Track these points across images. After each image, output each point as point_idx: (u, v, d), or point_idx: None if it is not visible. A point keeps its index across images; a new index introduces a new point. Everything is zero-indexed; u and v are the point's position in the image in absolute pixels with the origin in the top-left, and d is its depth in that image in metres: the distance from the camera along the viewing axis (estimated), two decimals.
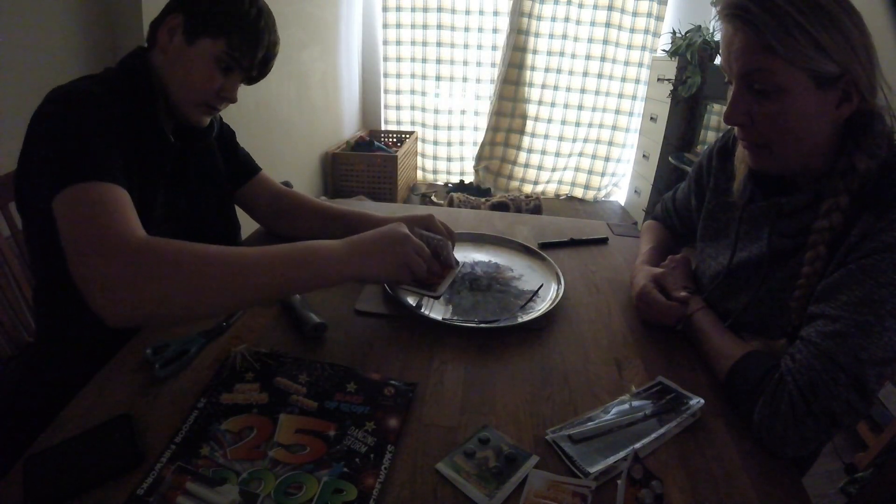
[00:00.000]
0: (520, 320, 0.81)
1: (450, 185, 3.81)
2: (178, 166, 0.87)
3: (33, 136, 0.70)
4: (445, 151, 3.89)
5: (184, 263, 0.58)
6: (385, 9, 3.54)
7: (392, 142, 3.75)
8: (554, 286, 0.93)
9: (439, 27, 3.54)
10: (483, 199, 3.11)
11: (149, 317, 0.58)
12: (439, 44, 3.58)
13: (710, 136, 2.77)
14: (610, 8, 3.34)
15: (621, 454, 0.56)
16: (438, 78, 3.69)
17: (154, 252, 0.58)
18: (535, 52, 3.44)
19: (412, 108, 3.83)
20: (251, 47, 0.82)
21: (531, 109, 3.61)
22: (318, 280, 0.66)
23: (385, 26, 3.59)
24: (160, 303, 0.57)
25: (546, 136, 3.67)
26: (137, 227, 0.62)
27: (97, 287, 0.55)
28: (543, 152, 3.71)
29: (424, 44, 3.60)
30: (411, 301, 0.84)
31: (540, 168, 3.75)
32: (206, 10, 0.79)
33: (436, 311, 0.83)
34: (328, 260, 0.67)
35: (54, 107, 0.69)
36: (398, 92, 3.78)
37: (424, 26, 3.55)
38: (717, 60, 2.67)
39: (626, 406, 0.64)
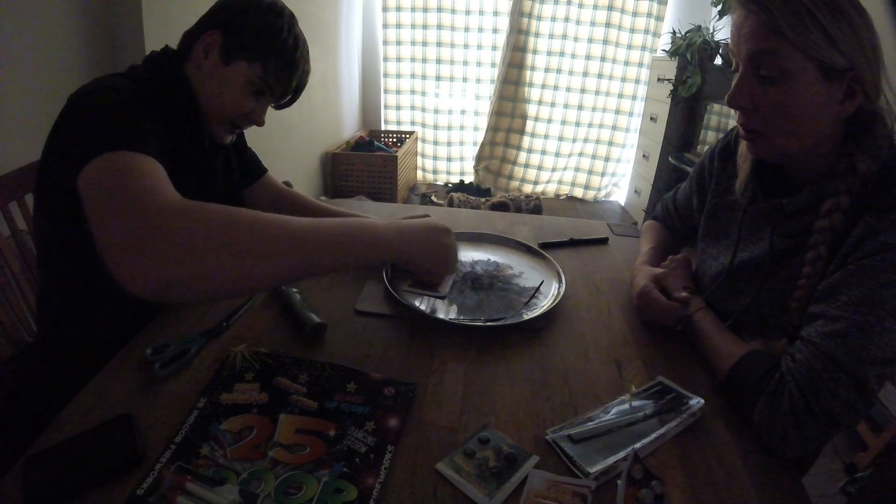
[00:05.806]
0: (525, 317, 0.81)
1: (450, 185, 3.81)
2: (207, 166, 0.87)
3: (61, 123, 0.67)
4: (445, 151, 3.89)
5: (235, 227, 0.53)
6: (385, 9, 3.54)
7: (392, 142, 3.75)
8: (555, 284, 0.93)
9: (439, 27, 3.54)
10: (483, 199, 3.11)
11: (180, 284, 0.50)
12: (439, 44, 3.59)
13: (710, 136, 2.77)
14: (610, 8, 3.34)
15: (621, 454, 0.56)
16: (438, 78, 3.69)
17: (198, 211, 0.52)
18: (535, 52, 3.44)
19: (412, 108, 3.82)
20: (286, 75, 0.82)
21: (531, 109, 3.61)
22: (365, 257, 0.65)
23: (385, 26, 3.59)
24: (199, 267, 0.50)
25: (546, 136, 3.67)
26: (174, 192, 0.55)
27: (126, 248, 0.49)
28: (543, 152, 3.71)
29: (424, 44, 3.60)
30: (418, 304, 0.84)
31: (540, 168, 3.75)
32: (245, 33, 0.79)
33: (439, 310, 0.83)
34: (378, 240, 0.65)
35: (87, 94, 0.67)
36: (398, 92, 3.78)
37: (424, 26, 3.55)
38: (718, 60, 2.67)
39: (626, 406, 0.64)
